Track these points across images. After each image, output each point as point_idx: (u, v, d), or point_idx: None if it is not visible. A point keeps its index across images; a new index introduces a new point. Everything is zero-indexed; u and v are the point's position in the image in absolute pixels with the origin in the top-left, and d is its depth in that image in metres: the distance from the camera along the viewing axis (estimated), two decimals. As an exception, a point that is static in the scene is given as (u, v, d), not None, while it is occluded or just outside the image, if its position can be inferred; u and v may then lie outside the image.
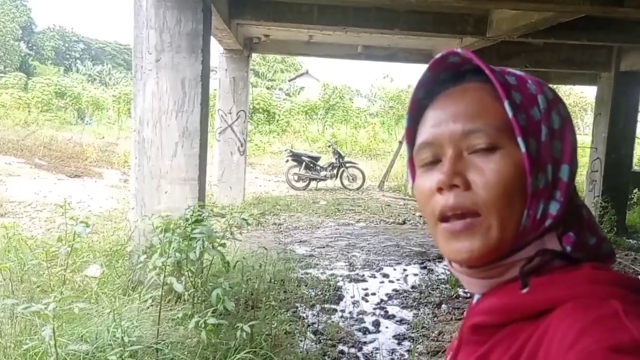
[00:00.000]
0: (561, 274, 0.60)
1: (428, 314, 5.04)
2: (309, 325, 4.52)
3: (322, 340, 4.27)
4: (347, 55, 10.42)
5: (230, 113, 9.73)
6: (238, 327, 3.43)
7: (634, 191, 10.14)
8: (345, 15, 7.08)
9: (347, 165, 12.88)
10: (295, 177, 12.34)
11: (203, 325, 3.29)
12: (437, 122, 0.66)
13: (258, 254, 6.13)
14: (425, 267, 6.64)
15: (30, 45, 41.77)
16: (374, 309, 5.15)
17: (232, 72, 9.70)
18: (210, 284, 4.15)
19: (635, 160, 13.04)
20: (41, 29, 43.62)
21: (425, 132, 0.68)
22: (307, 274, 6.01)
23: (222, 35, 7.68)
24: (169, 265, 3.65)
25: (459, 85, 0.67)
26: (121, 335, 2.79)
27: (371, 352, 4.20)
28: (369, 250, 7.25)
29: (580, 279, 0.58)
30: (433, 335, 4.55)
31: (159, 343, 3.32)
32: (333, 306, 5.11)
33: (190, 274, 3.98)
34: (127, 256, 4.81)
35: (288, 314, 4.61)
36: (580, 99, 28.52)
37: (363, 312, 5.01)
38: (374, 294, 5.57)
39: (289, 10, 7.05)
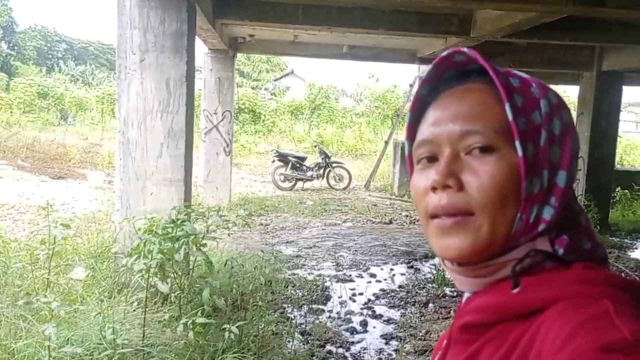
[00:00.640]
0: (552, 274, 0.60)
1: (415, 313, 5.07)
2: (296, 326, 4.51)
3: (309, 341, 4.27)
4: (332, 55, 10.43)
5: (215, 113, 9.68)
6: (225, 328, 3.41)
7: (617, 189, 10.27)
8: (330, 15, 7.08)
9: (334, 165, 12.89)
10: (282, 178, 12.32)
11: (191, 326, 3.27)
12: (437, 121, 0.67)
13: (245, 255, 6.11)
14: (412, 267, 6.67)
15: (11, 45, 41.18)
16: (362, 308, 5.16)
17: (217, 72, 9.66)
18: (197, 285, 4.13)
19: (617, 158, 13.26)
20: (23, 29, 43.05)
21: (424, 130, 0.68)
22: (294, 274, 6.00)
23: (207, 35, 7.64)
24: (153, 267, 3.62)
25: (462, 84, 0.67)
26: (112, 338, 2.76)
27: (359, 352, 4.21)
28: (356, 250, 7.26)
29: (572, 279, 0.58)
30: (420, 334, 4.57)
31: (147, 346, 3.29)
32: (321, 306, 5.11)
33: (175, 276, 3.95)
34: (112, 258, 4.77)
35: (276, 315, 4.61)
36: (563, 98, 28.80)
37: (351, 312, 5.02)
38: (361, 293, 5.58)
39: (273, 10, 7.03)
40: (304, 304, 5.06)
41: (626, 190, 10.39)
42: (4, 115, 19.18)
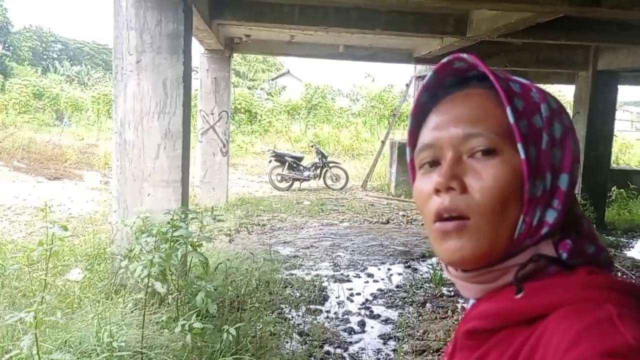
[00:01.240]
0: (556, 279, 0.60)
1: (413, 313, 5.07)
2: (294, 327, 4.51)
3: (307, 341, 4.27)
4: (329, 55, 10.42)
5: (212, 114, 9.67)
6: (223, 329, 3.41)
7: (613, 188, 10.30)
8: (327, 16, 7.08)
9: (331, 165, 12.88)
10: (279, 178, 12.31)
11: (188, 329, 3.27)
12: (438, 125, 0.67)
13: (242, 256, 6.11)
14: (409, 266, 6.68)
15: (6, 45, 41.01)
16: (359, 309, 5.16)
17: (214, 72, 9.64)
18: (195, 286, 4.13)
19: (613, 157, 13.30)
20: (18, 29, 42.87)
21: (426, 135, 0.69)
22: (291, 275, 6.00)
23: (203, 35, 7.63)
24: (152, 269, 3.61)
25: (463, 90, 0.68)
26: (109, 340, 2.76)
27: (357, 352, 4.21)
28: (353, 250, 7.26)
29: (576, 284, 0.58)
30: (418, 334, 4.58)
31: (145, 347, 3.29)
32: (318, 307, 5.11)
33: (173, 277, 3.95)
34: (110, 259, 4.76)
35: (273, 316, 4.60)
36: (559, 98, 28.86)
37: (348, 312, 5.02)
38: (359, 293, 5.59)
39: (269, 10, 7.03)
40: (301, 305, 5.06)
41: (622, 190, 10.42)
42: (0, 116, 19.11)
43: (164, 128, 4.68)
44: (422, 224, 6.93)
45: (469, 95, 0.67)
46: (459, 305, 5.27)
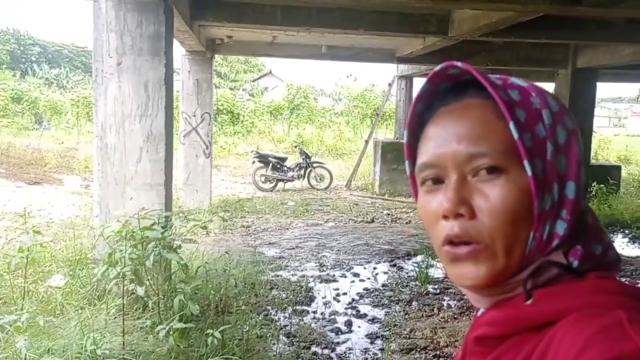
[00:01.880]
0: (565, 285, 0.60)
1: (399, 312, 5.08)
2: (281, 328, 4.49)
3: (295, 343, 4.25)
4: (311, 56, 10.42)
5: (194, 115, 9.60)
6: (209, 333, 3.38)
7: (593, 184, 10.44)
8: (309, 16, 7.07)
9: (314, 165, 12.87)
10: (262, 179, 12.26)
11: (171, 332, 3.23)
12: (439, 143, 0.65)
13: (226, 258, 6.07)
14: (394, 265, 6.69)
15: (-17, 49, 40.37)
16: (346, 308, 5.16)
17: (195, 74, 9.57)
18: (179, 289, 4.08)
19: (592, 153, 13.48)
20: (-6, 32, 42.24)
21: (427, 153, 0.66)
22: (277, 276, 5.98)
23: (185, 37, 7.57)
24: (128, 272, 3.56)
25: (459, 99, 0.65)
26: (92, 348, 2.71)
27: (344, 352, 4.21)
28: (338, 250, 7.26)
29: (585, 290, 0.58)
30: (405, 332, 4.59)
31: (129, 354, 3.24)
32: (305, 308, 5.10)
33: (153, 282, 3.89)
34: (92, 265, 4.69)
35: (259, 318, 4.58)
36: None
37: (335, 313, 5.01)
38: (345, 293, 5.58)
39: (251, 11, 6.99)
40: (288, 306, 5.04)
41: (602, 185, 10.55)
42: (-23, 121, 18.79)
43: (146, 131, 4.62)
44: (407, 222, 6.97)
45: (466, 107, 0.64)
46: (444, 303, 5.30)
